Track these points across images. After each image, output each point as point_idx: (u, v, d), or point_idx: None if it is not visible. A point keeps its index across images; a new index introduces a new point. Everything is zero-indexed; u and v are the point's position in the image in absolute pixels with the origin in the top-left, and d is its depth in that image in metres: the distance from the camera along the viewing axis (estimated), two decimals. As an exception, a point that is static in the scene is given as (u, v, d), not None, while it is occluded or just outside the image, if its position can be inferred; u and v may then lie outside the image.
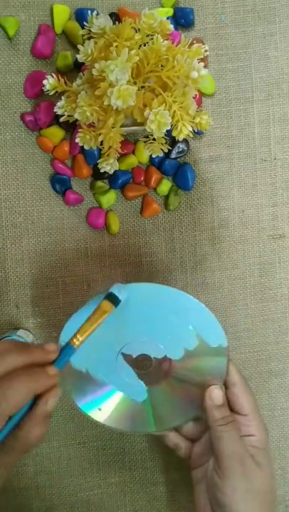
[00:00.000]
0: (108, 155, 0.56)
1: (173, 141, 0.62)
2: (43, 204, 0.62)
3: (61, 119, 0.57)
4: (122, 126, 0.55)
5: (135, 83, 0.53)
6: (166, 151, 0.58)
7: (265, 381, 0.66)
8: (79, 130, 0.56)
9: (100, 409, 0.55)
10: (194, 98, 0.55)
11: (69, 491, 0.63)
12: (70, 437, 0.63)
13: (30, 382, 0.46)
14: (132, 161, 0.61)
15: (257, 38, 0.63)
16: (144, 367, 0.56)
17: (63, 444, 0.63)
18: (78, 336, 0.51)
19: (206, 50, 0.54)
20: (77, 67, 0.60)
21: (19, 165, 0.61)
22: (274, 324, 0.65)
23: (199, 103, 0.62)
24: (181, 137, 0.54)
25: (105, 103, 0.51)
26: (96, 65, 0.51)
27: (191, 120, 0.54)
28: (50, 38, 0.60)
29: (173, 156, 0.62)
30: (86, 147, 0.56)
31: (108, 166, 0.57)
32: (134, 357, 0.55)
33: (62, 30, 0.60)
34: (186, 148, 0.62)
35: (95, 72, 0.52)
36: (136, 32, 0.54)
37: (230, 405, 0.54)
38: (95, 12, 0.56)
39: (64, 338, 0.52)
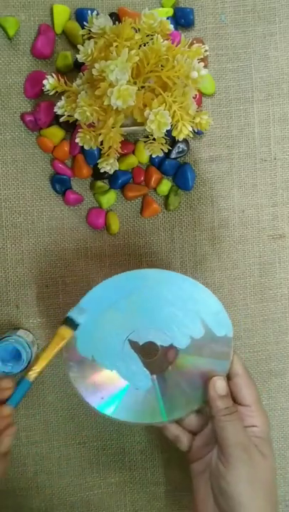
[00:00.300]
0: (108, 155, 0.56)
1: (173, 141, 0.62)
2: (43, 204, 0.62)
3: (61, 119, 0.57)
4: (122, 126, 0.55)
5: (135, 83, 0.53)
6: (166, 151, 0.58)
7: (265, 381, 0.66)
8: (79, 130, 0.56)
9: (102, 398, 0.55)
10: (194, 98, 0.55)
11: (69, 491, 0.63)
12: (70, 437, 0.63)
13: None
14: (132, 161, 0.61)
15: (257, 38, 0.63)
16: (150, 355, 0.56)
17: (63, 444, 0.63)
18: (35, 367, 0.51)
19: (206, 50, 0.54)
20: (77, 67, 0.60)
21: (19, 165, 0.61)
22: (274, 324, 0.65)
23: (199, 103, 0.62)
24: (181, 137, 0.54)
25: (105, 103, 0.52)
26: (96, 65, 0.51)
27: (191, 120, 0.54)
28: (50, 38, 0.60)
29: (173, 156, 0.62)
30: (86, 147, 0.56)
31: (108, 166, 0.57)
32: (140, 344, 0.55)
33: (62, 30, 0.60)
34: (186, 148, 0.62)
35: (95, 72, 0.52)
36: (136, 32, 0.54)
37: (232, 396, 0.54)
38: (95, 12, 0.56)
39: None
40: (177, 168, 0.63)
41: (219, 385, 0.53)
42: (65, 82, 0.56)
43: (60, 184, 0.61)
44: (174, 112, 0.53)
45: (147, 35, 0.54)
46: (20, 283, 0.62)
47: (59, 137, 0.61)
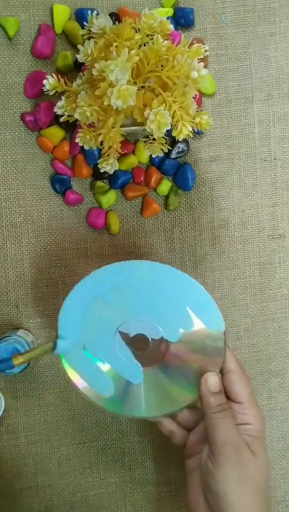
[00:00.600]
0: (108, 155, 0.56)
1: (173, 141, 0.62)
2: (43, 204, 0.62)
3: (61, 119, 0.57)
4: (122, 126, 0.55)
5: (135, 83, 0.53)
6: (166, 151, 0.58)
7: (265, 381, 0.66)
8: (79, 130, 0.56)
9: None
10: (194, 98, 0.55)
11: (69, 491, 0.63)
12: (70, 437, 0.63)
13: None
14: (132, 161, 0.61)
15: (257, 38, 0.63)
16: (141, 348, 0.55)
17: (63, 444, 0.63)
18: (20, 357, 0.52)
19: (206, 50, 0.54)
20: (77, 67, 0.60)
21: (19, 165, 0.61)
22: (274, 324, 0.65)
23: (199, 103, 0.62)
24: (181, 137, 0.54)
25: (105, 103, 0.52)
26: (96, 65, 0.52)
27: (191, 120, 0.54)
28: (50, 38, 0.60)
29: (173, 156, 0.62)
30: (86, 147, 0.56)
31: (108, 166, 0.57)
32: (131, 336, 0.55)
33: (62, 30, 0.60)
34: (186, 148, 0.62)
35: (95, 72, 0.52)
36: (136, 32, 0.54)
37: (226, 392, 0.53)
38: (95, 12, 0.56)
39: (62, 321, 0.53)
40: (177, 168, 0.63)
41: (211, 381, 0.52)
42: (65, 82, 0.56)
43: (60, 184, 0.61)
44: (174, 111, 0.53)
45: (147, 35, 0.54)
46: (20, 283, 0.62)
47: (59, 137, 0.61)
